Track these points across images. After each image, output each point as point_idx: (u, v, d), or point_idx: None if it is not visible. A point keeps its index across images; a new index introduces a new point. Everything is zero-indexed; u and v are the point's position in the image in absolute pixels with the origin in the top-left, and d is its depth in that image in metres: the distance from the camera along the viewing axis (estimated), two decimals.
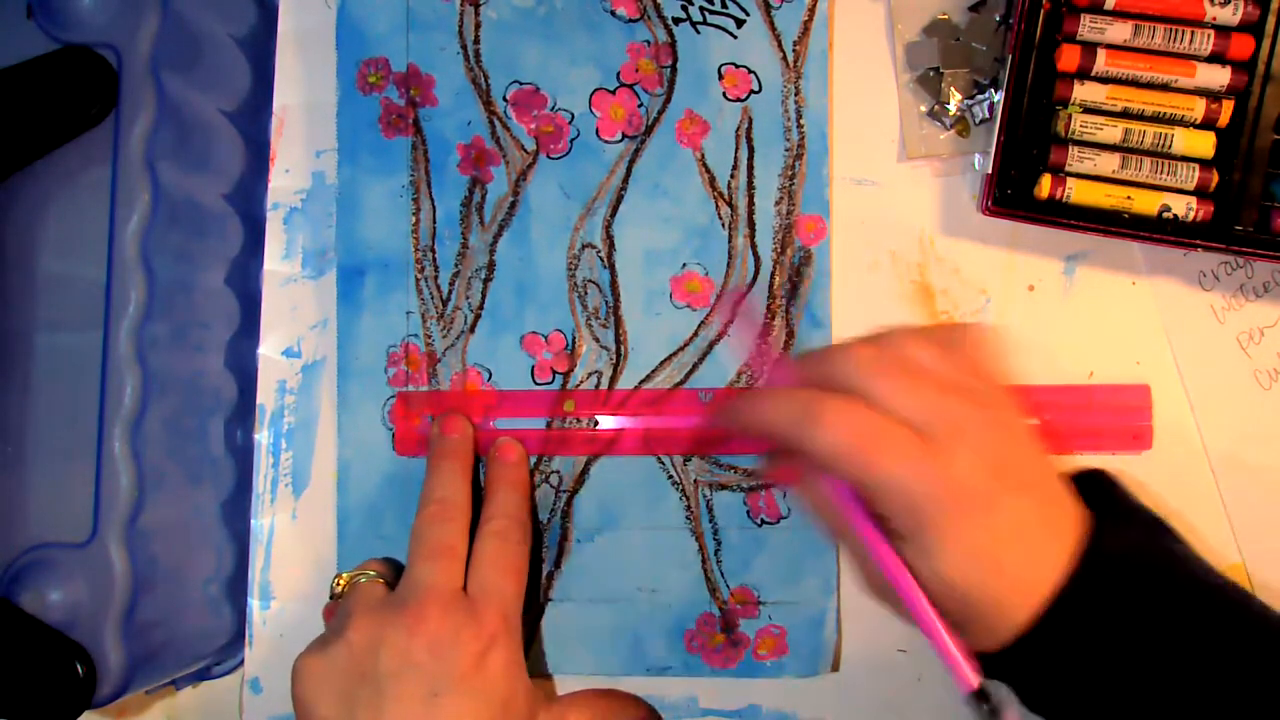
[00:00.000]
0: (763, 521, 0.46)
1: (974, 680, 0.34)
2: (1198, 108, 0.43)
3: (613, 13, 0.47)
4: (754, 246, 0.46)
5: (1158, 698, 0.34)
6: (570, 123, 0.47)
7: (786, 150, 0.47)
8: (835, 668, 0.46)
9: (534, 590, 0.46)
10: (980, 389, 0.36)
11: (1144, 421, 0.46)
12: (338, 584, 0.42)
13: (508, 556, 0.41)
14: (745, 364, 0.40)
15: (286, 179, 0.48)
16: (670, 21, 0.47)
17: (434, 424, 0.45)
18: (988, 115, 0.46)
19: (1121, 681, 0.34)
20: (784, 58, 0.47)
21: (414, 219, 0.47)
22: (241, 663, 0.47)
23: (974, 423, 0.34)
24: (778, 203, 0.46)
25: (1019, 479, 0.35)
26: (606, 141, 0.47)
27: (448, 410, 0.46)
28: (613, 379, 0.46)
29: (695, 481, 0.46)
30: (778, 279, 0.46)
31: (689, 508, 0.46)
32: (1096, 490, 0.38)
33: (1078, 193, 0.43)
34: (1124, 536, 0.35)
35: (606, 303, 0.47)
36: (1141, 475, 0.45)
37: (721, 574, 0.46)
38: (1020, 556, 0.34)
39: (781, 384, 0.38)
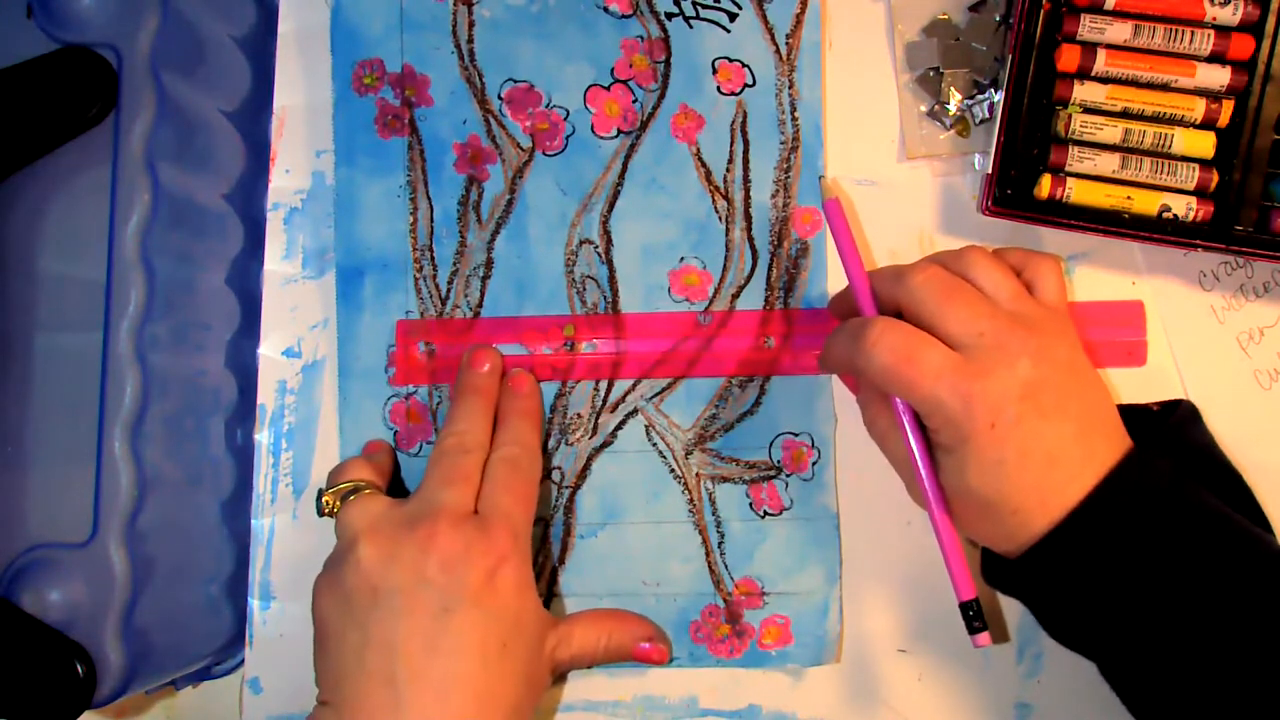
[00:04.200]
0: (765, 513, 0.46)
1: (968, 592, 0.39)
2: (1198, 108, 0.43)
3: (605, 9, 0.47)
4: (751, 239, 0.46)
5: (1158, 621, 0.35)
6: (565, 119, 0.47)
7: (781, 143, 0.47)
8: (838, 658, 0.46)
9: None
10: (1035, 315, 0.38)
11: (1138, 336, 0.46)
12: (327, 503, 0.42)
13: (518, 481, 0.42)
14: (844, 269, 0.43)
15: (286, 179, 0.48)
16: (663, 17, 0.47)
17: (465, 355, 0.46)
18: (988, 115, 0.46)
19: (1125, 602, 0.36)
20: (777, 51, 0.47)
21: (411, 219, 0.47)
22: (241, 663, 0.47)
23: (1016, 347, 0.37)
24: (774, 195, 0.47)
25: (1055, 404, 0.37)
26: (602, 137, 0.47)
27: (479, 344, 0.46)
28: (612, 374, 0.46)
29: (697, 475, 0.46)
30: (775, 271, 0.46)
31: (691, 501, 0.46)
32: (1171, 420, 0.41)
33: (1078, 193, 0.43)
34: (1155, 468, 0.37)
35: (605, 298, 0.47)
36: None
37: (725, 566, 0.46)
38: (1045, 475, 0.36)
39: (858, 297, 0.41)
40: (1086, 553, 0.36)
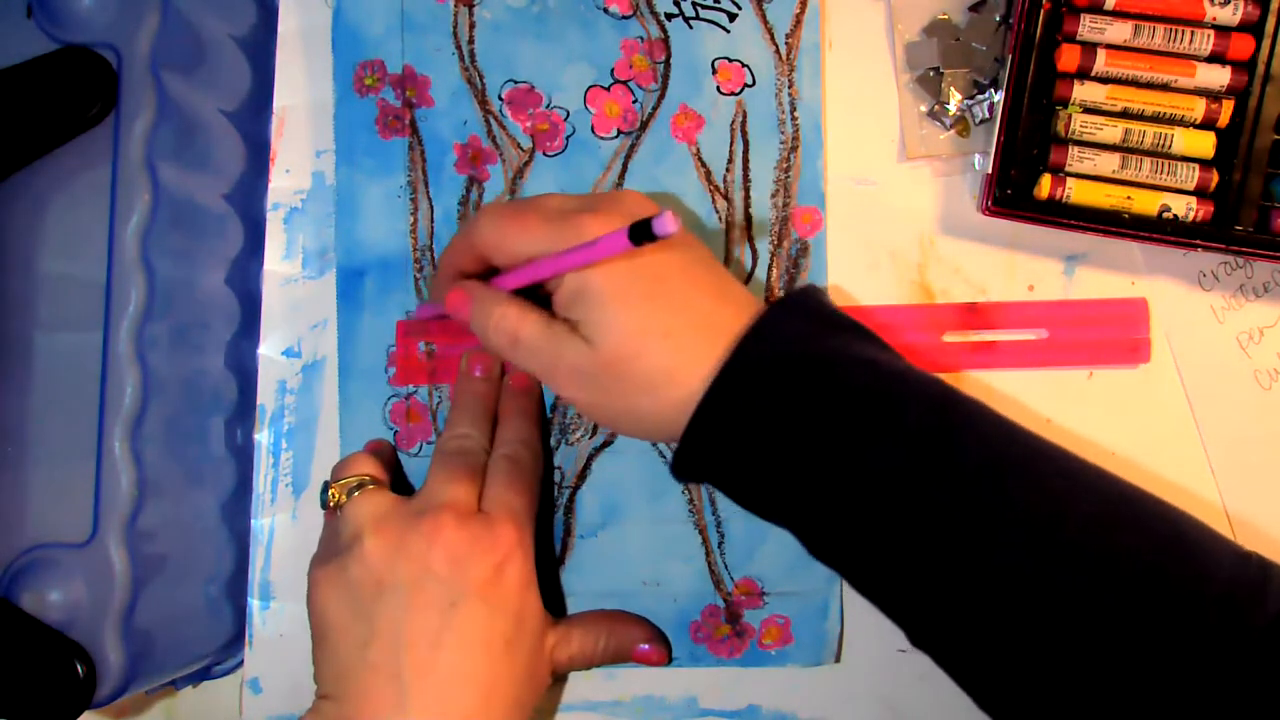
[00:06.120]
0: None
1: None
2: (1198, 108, 0.43)
3: (605, 10, 0.47)
4: (751, 240, 0.46)
5: (801, 482, 0.35)
6: (566, 120, 0.47)
7: (781, 143, 0.47)
8: (838, 658, 0.46)
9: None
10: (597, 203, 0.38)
11: (1141, 334, 0.46)
12: (333, 495, 0.42)
13: (520, 478, 0.42)
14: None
15: (286, 179, 0.48)
16: (663, 17, 0.47)
17: (464, 358, 0.45)
18: (988, 115, 0.46)
19: (771, 459, 0.35)
20: (776, 51, 0.47)
21: (412, 219, 0.47)
22: (241, 663, 0.47)
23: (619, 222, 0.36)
24: (774, 195, 0.47)
25: (684, 271, 0.37)
26: (602, 138, 0.47)
27: (477, 348, 0.46)
28: None
29: None
30: (775, 271, 0.46)
31: (691, 501, 0.46)
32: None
33: (1078, 193, 0.43)
34: (787, 326, 0.36)
35: None
36: (1142, 475, 0.45)
37: (725, 566, 0.46)
38: (688, 329, 0.36)
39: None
40: (738, 406, 0.35)
